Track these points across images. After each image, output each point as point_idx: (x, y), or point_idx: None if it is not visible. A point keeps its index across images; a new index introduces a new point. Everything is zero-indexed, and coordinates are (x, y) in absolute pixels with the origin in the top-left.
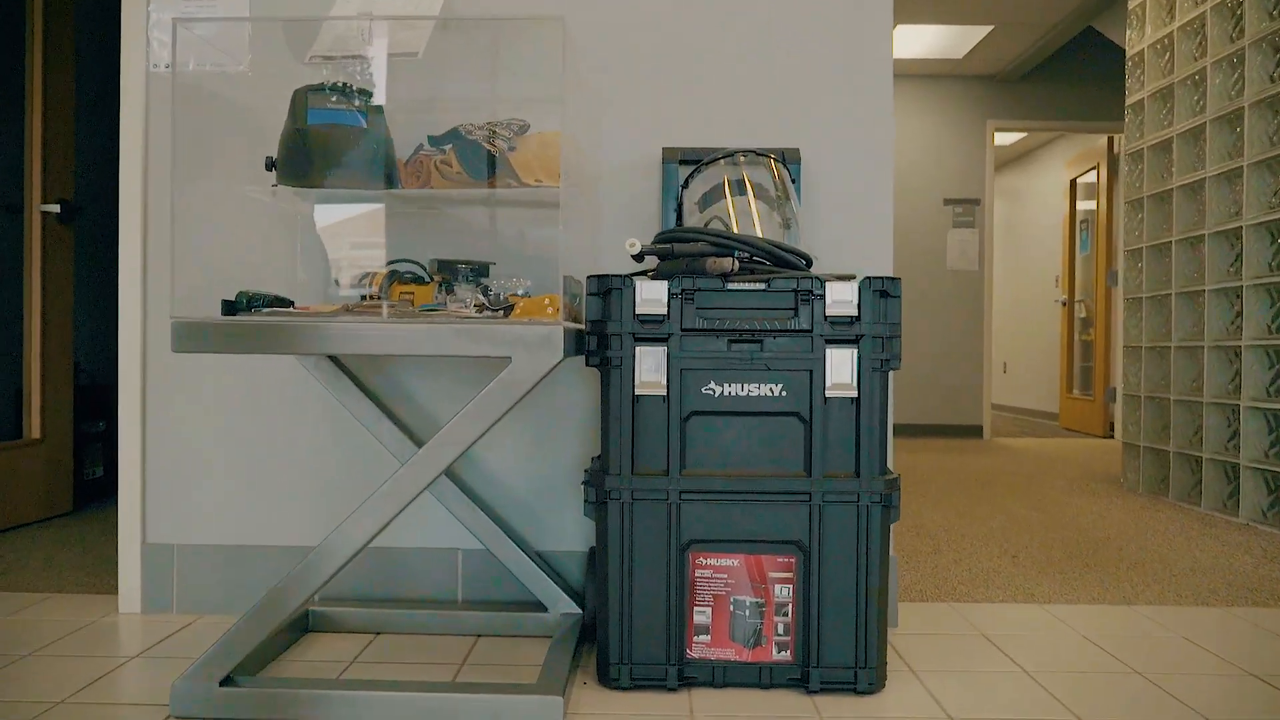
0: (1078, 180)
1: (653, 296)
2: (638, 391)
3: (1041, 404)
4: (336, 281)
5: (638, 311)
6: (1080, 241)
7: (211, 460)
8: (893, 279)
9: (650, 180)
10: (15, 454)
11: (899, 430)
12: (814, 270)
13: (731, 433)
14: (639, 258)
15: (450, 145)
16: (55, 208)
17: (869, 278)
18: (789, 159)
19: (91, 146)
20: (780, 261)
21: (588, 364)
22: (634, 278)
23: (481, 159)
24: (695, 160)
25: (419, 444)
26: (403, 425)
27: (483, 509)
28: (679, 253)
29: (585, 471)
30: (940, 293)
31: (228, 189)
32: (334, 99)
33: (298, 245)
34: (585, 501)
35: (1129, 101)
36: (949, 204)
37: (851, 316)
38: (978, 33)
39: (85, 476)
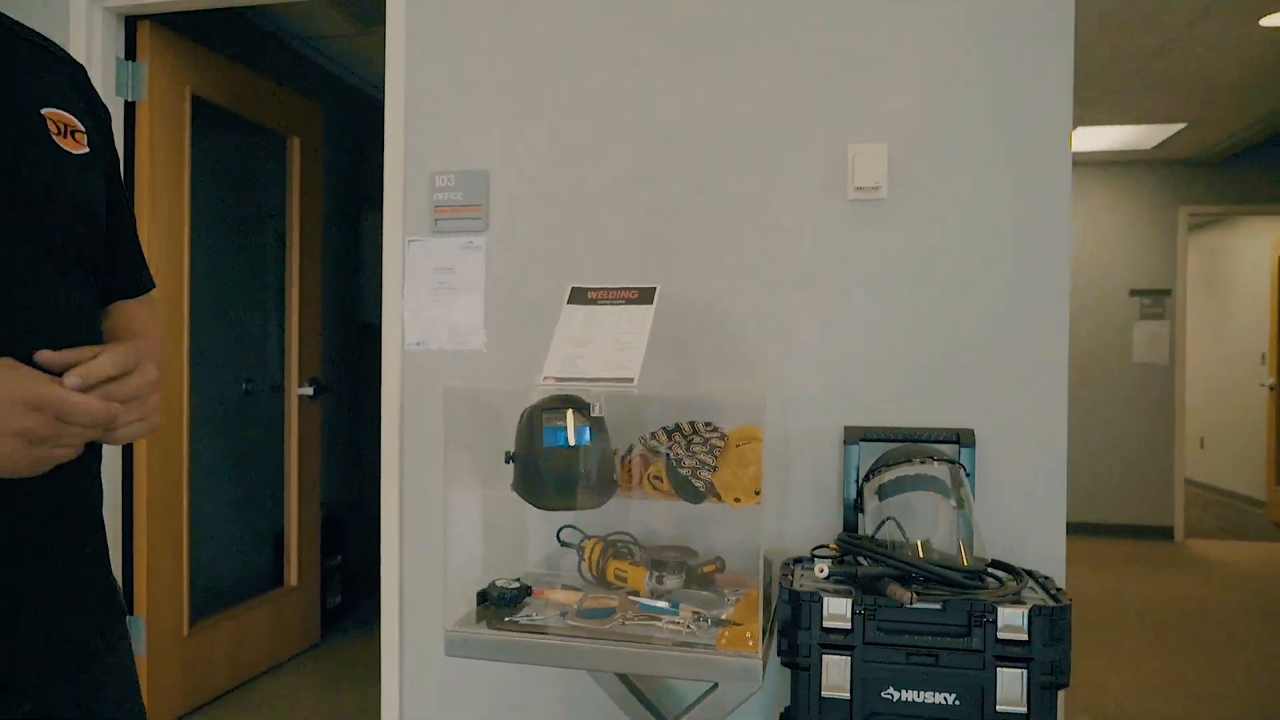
0: None
1: (838, 612)
2: (824, 693)
3: (1244, 487)
4: (559, 538)
5: (825, 625)
6: None
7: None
8: (1062, 608)
9: (832, 453)
10: (280, 602)
11: (1075, 529)
12: (989, 561)
13: None
14: (829, 578)
15: (661, 458)
16: (309, 390)
17: (1038, 607)
18: (963, 441)
19: (337, 323)
20: (952, 584)
21: (780, 659)
22: (822, 593)
23: (690, 481)
24: (874, 439)
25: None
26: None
27: None
28: (861, 576)
29: None
30: (1125, 388)
31: (472, 477)
32: (565, 421)
33: (525, 519)
34: None
35: None
36: (1135, 295)
37: (1022, 641)
38: (1168, 129)
39: (327, 606)
